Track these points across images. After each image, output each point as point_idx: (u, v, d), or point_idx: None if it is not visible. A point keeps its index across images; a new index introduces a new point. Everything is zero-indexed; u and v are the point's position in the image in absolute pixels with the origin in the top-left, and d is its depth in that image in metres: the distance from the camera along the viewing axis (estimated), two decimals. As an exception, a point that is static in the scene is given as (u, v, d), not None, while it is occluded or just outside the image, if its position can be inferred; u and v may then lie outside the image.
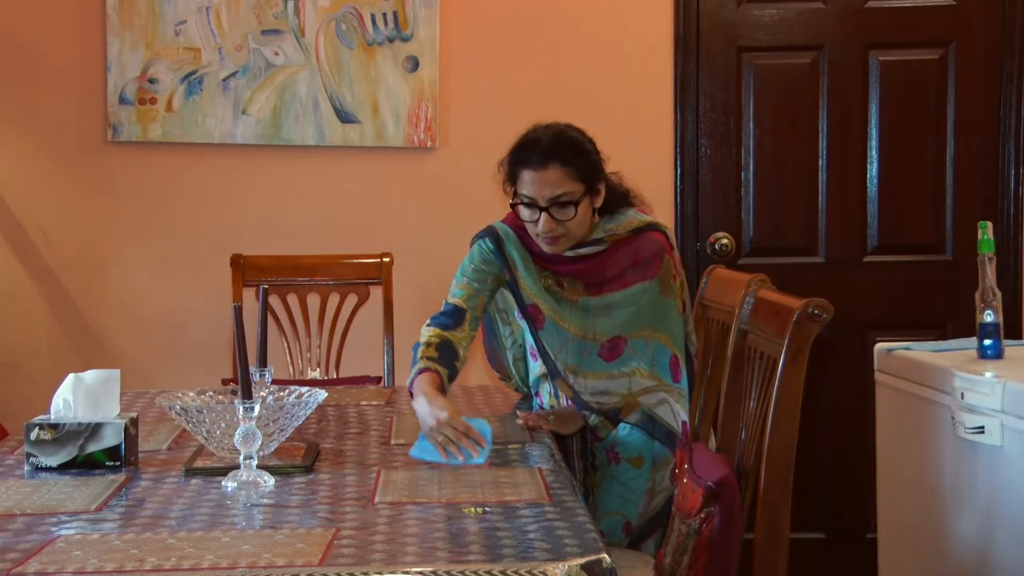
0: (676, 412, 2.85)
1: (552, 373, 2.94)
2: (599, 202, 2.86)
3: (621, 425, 2.90)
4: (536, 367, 3.04)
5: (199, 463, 2.42)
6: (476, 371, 4.05)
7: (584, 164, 2.79)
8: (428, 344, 2.78)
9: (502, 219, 2.98)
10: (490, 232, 2.95)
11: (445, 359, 2.75)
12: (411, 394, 2.68)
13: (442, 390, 2.67)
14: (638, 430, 2.90)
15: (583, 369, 2.88)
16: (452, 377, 2.75)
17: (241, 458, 2.28)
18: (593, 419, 2.86)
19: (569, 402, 2.95)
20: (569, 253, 2.87)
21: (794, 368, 2.25)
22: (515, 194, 2.82)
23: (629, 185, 2.98)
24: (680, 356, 2.88)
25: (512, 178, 2.82)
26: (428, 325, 2.84)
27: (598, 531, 2.02)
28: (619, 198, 2.94)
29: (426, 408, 2.55)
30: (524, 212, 2.80)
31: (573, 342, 2.89)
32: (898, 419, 3.32)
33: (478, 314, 2.89)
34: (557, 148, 2.76)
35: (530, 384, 3.10)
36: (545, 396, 3.02)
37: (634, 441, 2.90)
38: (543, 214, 2.76)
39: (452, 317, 2.85)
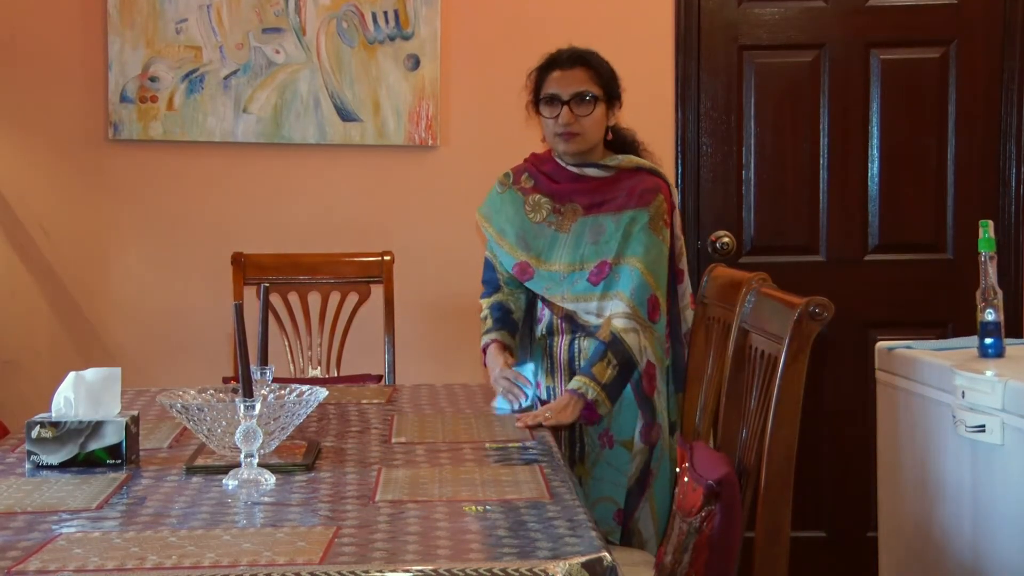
0: (643, 347, 2.96)
1: (548, 306, 3.12)
2: (613, 119, 3.13)
3: (616, 407, 2.99)
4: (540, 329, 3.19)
5: (200, 461, 2.42)
6: (477, 370, 4.05)
7: (606, 74, 3.09)
8: (484, 318, 3.20)
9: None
10: (481, 208, 3.23)
11: (500, 320, 3.16)
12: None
13: (505, 349, 3.11)
14: (631, 413, 2.99)
15: (572, 294, 3.05)
16: (513, 327, 3.17)
17: (242, 456, 2.28)
18: (591, 394, 2.92)
19: (554, 386, 3.08)
20: (574, 170, 3.11)
21: (795, 367, 2.25)
22: (538, 100, 3.08)
23: (642, 142, 3.20)
24: (661, 299, 3.01)
25: (539, 84, 3.09)
26: (481, 298, 3.24)
27: (598, 530, 2.02)
28: (629, 145, 3.17)
29: (490, 371, 3.08)
30: (546, 109, 3.06)
31: (564, 277, 3.07)
32: (899, 418, 3.32)
33: (510, 271, 3.18)
34: (583, 55, 3.09)
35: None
36: (531, 376, 3.12)
37: (627, 420, 3.00)
38: (564, 107, 3.02)
39: (491, 285, 3.24)
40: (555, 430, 2.92)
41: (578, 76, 3.04)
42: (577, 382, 2.93)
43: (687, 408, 3.08)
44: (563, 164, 3.15)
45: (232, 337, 3.56)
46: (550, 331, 3.14)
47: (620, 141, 3.17)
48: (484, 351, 3.14)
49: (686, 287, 3.13)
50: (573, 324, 3.09)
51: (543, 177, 3.16)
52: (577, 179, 3.12)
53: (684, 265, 3.15)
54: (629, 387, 3.00)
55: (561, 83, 3.05)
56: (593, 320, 3.04)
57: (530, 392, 2.98)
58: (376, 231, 4.21)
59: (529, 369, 3.03)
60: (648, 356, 2.97)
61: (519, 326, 3.20)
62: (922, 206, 4.29)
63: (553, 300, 3.09)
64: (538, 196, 3.14)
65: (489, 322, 3.17)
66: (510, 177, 3.21)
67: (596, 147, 3.11)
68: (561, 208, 3.11)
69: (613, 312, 2.98)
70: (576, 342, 3.09)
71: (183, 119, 4.16)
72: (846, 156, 4.27)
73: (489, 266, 3.24)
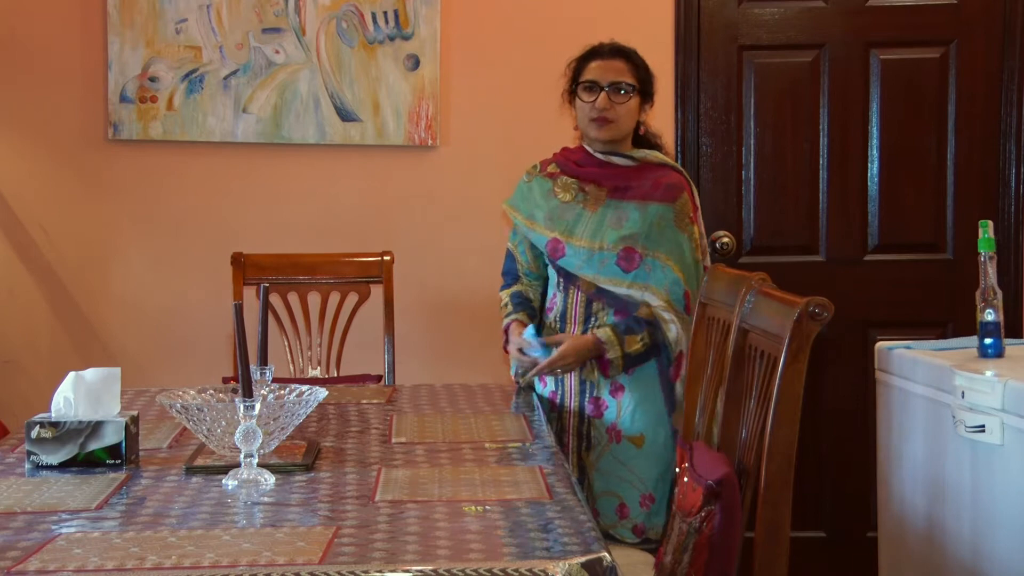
0: (679, 337, 3.11)
1: (564, 291, 3.25)
2: (645, 115, 3.28)
3: (624, 402, 3.10)
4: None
5: (200, 461, 2.42)
6: (477, 371, 4.05)
7: (643, 70, 3.25)
8: (504, 305, 3.34)
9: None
10: (508, 200, 3.36)
11: (520, 304, 3.30)
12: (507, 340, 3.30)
13: (523, 325, 3.23)
14: (640, 410, 3.10)
15: (603, 277, 3.16)
16: (532, 312, 3.30)
17: (242, 456, 2.28)
18: (611, 354, 3.08)
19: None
20: (601, 156, 3.25)
21: (795, 367, 2.25)
22: (575, 88, 3.23)
23: (666, 146, 3.34)
24: (693, 294, 3.12)
25: (577, 72, 3.25)
26: (501, 290, 3.37)
27: (599, 529, 2.03)
28: (653, 146, 3.30)
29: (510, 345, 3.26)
30: (584, 95, 3.21)
31: (590, 256, 3.18)
32: (898, 418, 3.32)
33: (530, 263, 3.34)
34: (624, 49, 3.25)
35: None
36: (533, 338, 3.20)
37: (637, 416, 3.10)
38: (602, 93, 3.18)
39: (511, 275, 3.38)
40: (558, 417, 3.07)
41: (617, 67, 3.20)
42: (606, 335, 3.11)
43: (687, 408, 3.09)
44: (591, 151, 3.28)
45: (232, 337, 3.56)
46: (562, 319, 3.23)
47: (647, 139, 3.30)
48: (505, 331, 3.28)
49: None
50: (587, 312, 3.18)
51: (571, 164, 3.30)
52: (603, 165, 3.26)
53: (708, 262, 3.27)
54: (651, 379, 3.07)
55: (600, 71, 3.21)
56: (624, 305, 3.17)
57: (537, 353, 3.14)
58: (376, 231, 4.21)
59: (530, 332, 3.15)
60: (682, 346, 3.12)
61: (537, 313, 3.33)
62: (922, 206, 4.28)
63: (584, 278, 3.19)
64: (566, 178, 3.28)
65: (509, 307, 3.32)
66: (537, 167, 3.36)
67: (626, 138, 3.26)
68: (586, 188, 3.24)
69: (654, 305, 3.12)
70: (588, 333, 3.16)
71: (183, 119, 4.16)
72: (846, 156, 4.27)
73: (510, 257, 3.38)
